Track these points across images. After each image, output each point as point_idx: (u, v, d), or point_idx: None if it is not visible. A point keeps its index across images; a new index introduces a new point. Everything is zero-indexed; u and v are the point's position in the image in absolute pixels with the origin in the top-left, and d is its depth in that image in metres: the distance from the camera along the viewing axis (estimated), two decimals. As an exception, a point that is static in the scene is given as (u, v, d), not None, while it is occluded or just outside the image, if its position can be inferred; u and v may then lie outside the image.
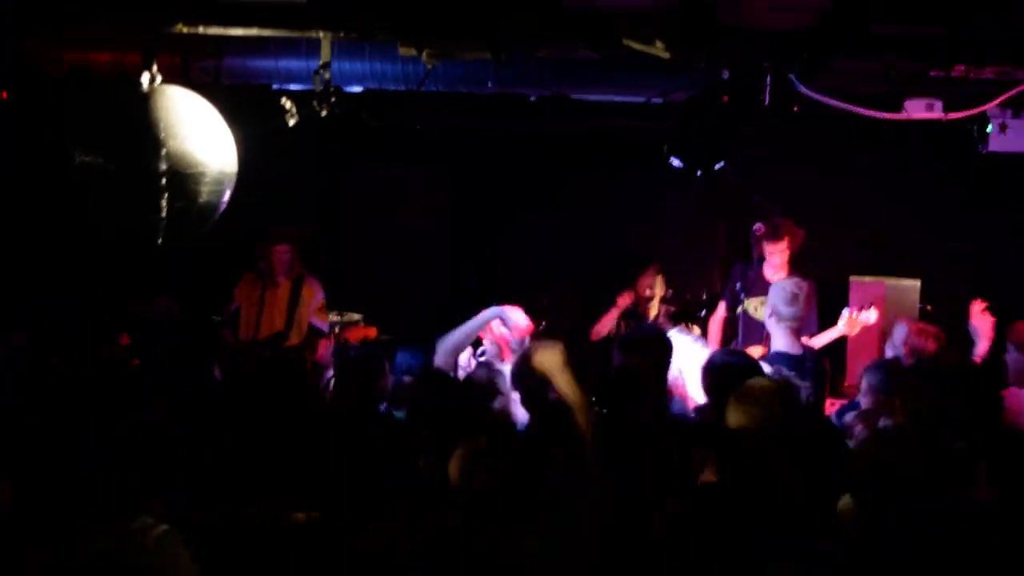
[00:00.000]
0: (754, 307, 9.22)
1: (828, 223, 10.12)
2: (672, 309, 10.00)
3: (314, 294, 9.16)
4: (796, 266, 9.20)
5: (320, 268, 9.47)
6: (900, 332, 7.39)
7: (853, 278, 9.84)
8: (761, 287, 9.02)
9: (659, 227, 11.08)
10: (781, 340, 7.17)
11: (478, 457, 4.35)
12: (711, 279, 11.06)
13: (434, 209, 11.71)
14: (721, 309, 9.56)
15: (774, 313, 7.22)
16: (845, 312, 8.74)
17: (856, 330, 8.77)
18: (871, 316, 8.72)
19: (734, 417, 5.03)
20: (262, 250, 9.08)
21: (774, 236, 9.14)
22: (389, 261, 11.43)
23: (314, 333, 9.15)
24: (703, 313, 10.01)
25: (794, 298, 7.25)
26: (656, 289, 9.90)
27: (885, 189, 10.59)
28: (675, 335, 6.86)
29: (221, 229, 6.73)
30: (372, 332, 9.70)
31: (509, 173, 11.31)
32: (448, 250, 11.75)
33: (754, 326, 9.05)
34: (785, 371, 6.31)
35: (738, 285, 9.39)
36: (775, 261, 9.15)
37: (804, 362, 7.05)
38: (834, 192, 10.65)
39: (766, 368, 6.47)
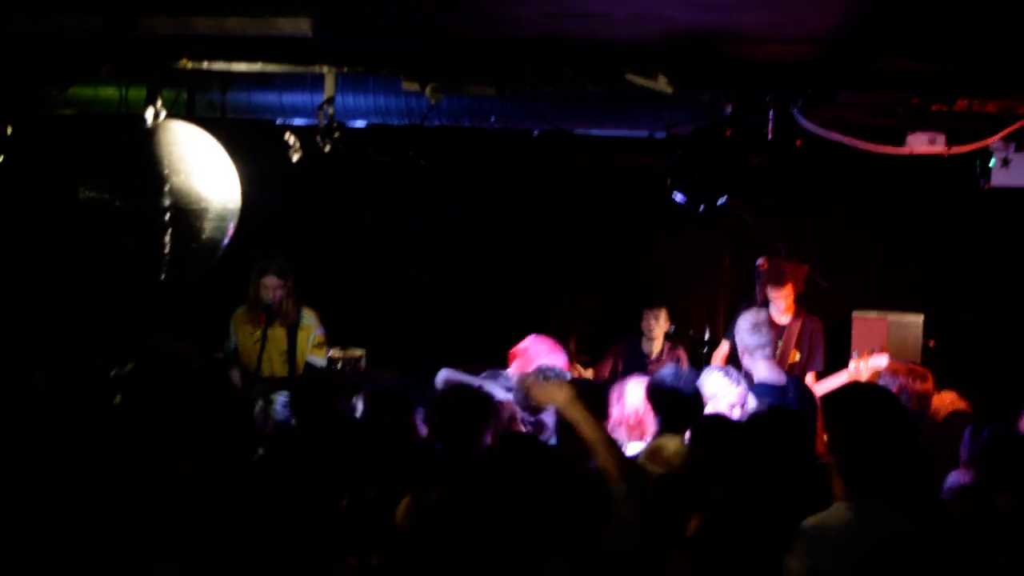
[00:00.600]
0: None
1: (831, 258, 10.10)
2: (676, 346, 9.97)
3: (312, 330, 8.88)
4: (801, 304, 9.20)
5: (319, 300, 9.40)
6: (887, 378, 7.37)
7: (856, 313, 9.83)
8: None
9: (662, 262, 11.07)
10: (761, 371, 7.16)
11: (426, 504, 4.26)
12: (715, 314, 11.04)
13: (437, 242, 11.71)
14: (724, 346, 9.52)
15: (744, 349, 7.23)
16: (855, 356, 8.56)
17: (867, 375, 8.35)
18: (882, 361, 8.33)
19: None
20: (256, 284, 8.69)
21: (778, 282, 9.10)
22: (393, 295, 11.41)
23: (308, 367, 8.88)
24: (705, 350, 9.98)
25: (755, 328, 7.28)
26: (659, 325, 9.86)
27: (888, 223, 10.58)
28: (709, 373, 6.83)
29: (224, 265, 6.74)
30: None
31: (512, 206, 11.31)
32: (452, 285, 11.74)
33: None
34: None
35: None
36: (780, 305, 9.11)
37: (787, 392, 7.01)
38: (837, 226, 10.64)
39: (752, 402, 6.47)
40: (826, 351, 9.12)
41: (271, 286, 8.59)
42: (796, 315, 9.15)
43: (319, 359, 8.89)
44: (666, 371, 6.32)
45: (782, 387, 7.06)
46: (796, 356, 9.08)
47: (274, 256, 8.67)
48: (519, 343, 7.61)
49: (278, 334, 8.69)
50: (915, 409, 7.02)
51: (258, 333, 8.57)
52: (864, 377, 8.46)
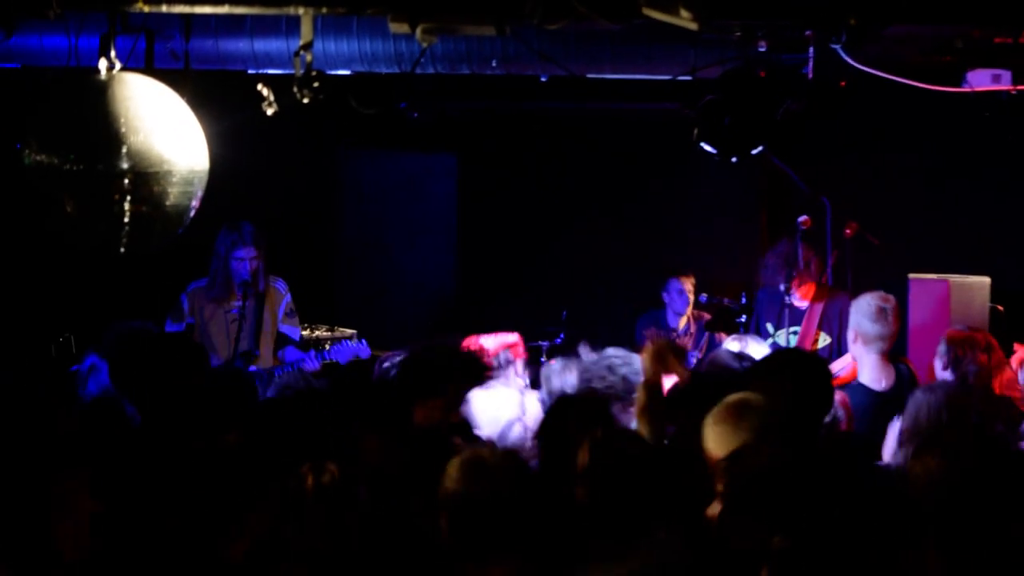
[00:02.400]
0: (785, 339, 9.16)
1: (883, 214, 10.06)
2: (706, 317, 9.95)
3: (280, 299, 8.89)
4: (844, 273, 9.18)
5: (299, 273, 9.38)
6: (943, 347, 7.33)
7: (913, 276, 9.77)
8: (793, 316, 9.07)
9: (690, 222, 11.05)
10: (866, 369, 7.06)
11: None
12: (752, 280, 11.03)
13: (433, 206, 11.70)
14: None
15: (859, 334, 7.12)
16: None
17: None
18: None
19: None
20: (226, 256, 8.67)
21: (797, 280, 9.05)
22: (384, 267, 11.41)
23: (284, 342, 8.94)
24: (743, 319, 9.96)
25: (880, 314, 7.17)
26: (688, 295, 9.86)
27: (947, 174, 10.54)
28: (735, 343, 6.78)
29: (193, 235, 6.72)
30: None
31: (517, 163, 11.29)
32: (450, 254, 11.74)
33: None
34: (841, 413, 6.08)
35: (763, 318, 9.35)
36: (795, 294, 9.10)
37: (891, 402, 6.64)
38: (889, 178, 10.60)
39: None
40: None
41: (247, 257, 8.61)
42: (817, 296, 9.11)
43: (294, 328, 8.95)
44: (723, 352, 6.32)
45: (884, 395, 6.93)
46: (822, 339, 9.06)
47: (242, 223, 8.66)
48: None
49: (244, 307, 8.68)
50: (974, 384, 6.97)
51: (233, 314, 8.63)
52: None
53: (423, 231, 11.66)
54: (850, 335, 7.24)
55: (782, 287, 9.02)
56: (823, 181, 9.86)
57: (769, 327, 9.32)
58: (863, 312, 7.18)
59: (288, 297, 8.92)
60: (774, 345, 9.14)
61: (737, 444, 4.63)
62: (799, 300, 9.09)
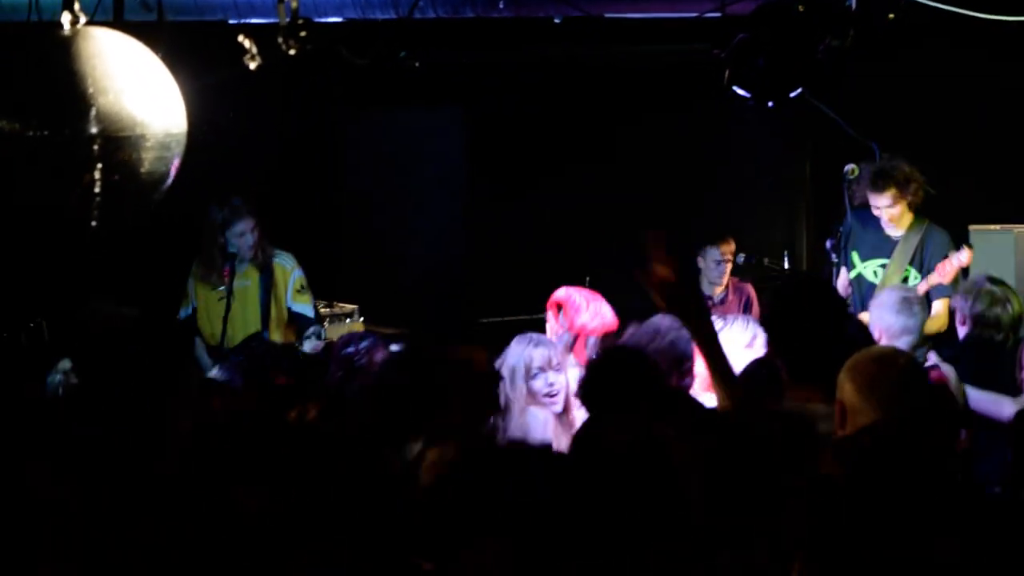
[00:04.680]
0: (872, 271, 9.11)
1: (940, 161, 10.01)
2: (749, 289, 9.90)
3: (288, 274, 8.94)
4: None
5: (295, 244, 9.37)
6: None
7: (974, 227, 9.75)
8: (883, 247, 9.04)
9: (725, 176, 11.01)
10: None
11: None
12: (796, 237, 11.00)
13: (439, 167, 11.68)
14: (842, 275, 9.40)
15: (885, 330, 7.14)
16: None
17: (949, 279, 8.66)
18: (962, 256, 8.65)
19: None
20: (213, 230, 8.76)
21: (874, 187, 8.98)
22: (387, 235, 11.41)
23: (297, 321, 8.96)
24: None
25: (905, 304, 7.20)
26: (725, 261, 9.81)
27: (1011, 115, 10.48)
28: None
29: (173, 206, 6.71)
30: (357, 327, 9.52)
31: (530, 116, 11.26)
32: (458, 220, 11.73)
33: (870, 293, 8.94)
34: None
35: (848, 245, 9.26)
36: (883, 217, 9.00)
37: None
38: (946, 124, 10.56)
39: None
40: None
41: (246, 230, 8.69)
42: (914, 227, 9.04)
43: (306, 306, 8.97)
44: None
45: None
46: (912, 276, 9.01)
47: (232, 194, 8.73)
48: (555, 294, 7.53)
49: (251, 289, 8.79)
50: None
51: (221, 291, 8.67)
52: (948, 280, 8.70)
53: (429, 193, 11.64)
54: (875, 332, 7.23)
55: (879, 208, 8.97)
56: (872, 125, 9.81)
57: (855, 257, 9.24)
58: (885, 306, 7.26)
59: (298, 272, 8.98)
60: (860, 278, 9.12)
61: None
62: (893, 229, 9.03)
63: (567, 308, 7.36)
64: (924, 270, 8.98)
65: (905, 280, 8.88)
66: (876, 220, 9.03)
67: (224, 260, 8.67)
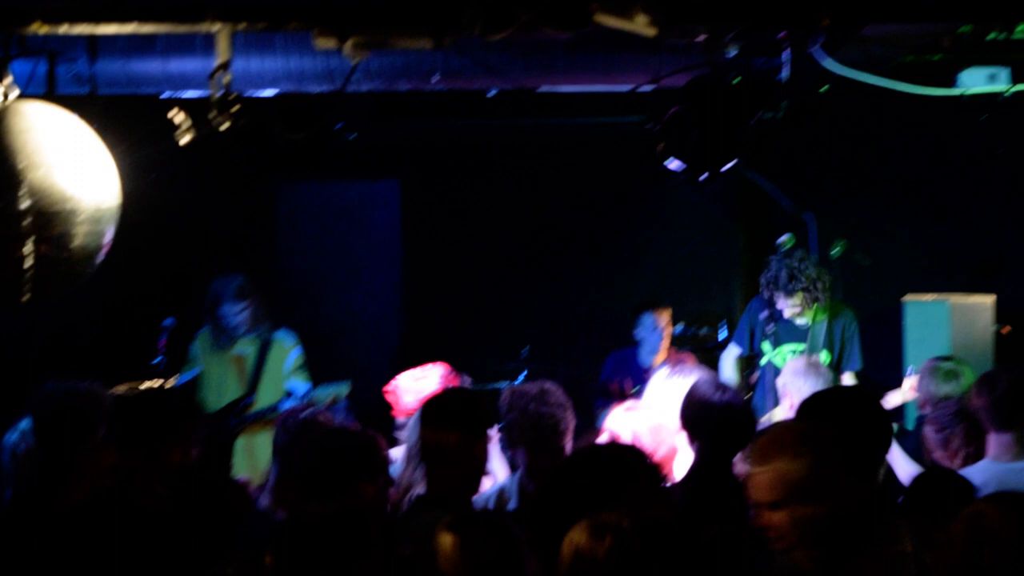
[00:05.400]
0: (782, 358, 9.21)
1: (873, 230, 10.11)
2: (687, 360, 9.93)
3: (287, 352, 9.29)
4: (845, 288, 9.22)
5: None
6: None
7: (909, 297, 9.81)
8: (792, 330, 9.21)
9: (660, 246, 11.06)
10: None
11: None
12: (731, 307, 11.03)
13: (375, 239, 11.68)
14: (733, 350, 9.56)
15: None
16: (908, 375, 8.55)
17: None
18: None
19: None
20: (209, 304, 9.20)
21: (786, 292, 9.12)
22: (324, 307, 11.39)
23: (292, 395, 9.18)
24: (720, 353, 9.98)
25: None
26: (664, 329, 9.84)
27: (943, 184, 10.58)
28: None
29: (105, 279, 6.69)
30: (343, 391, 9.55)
31: (467, 188, 11.28)
32: (395, 291, 11.71)
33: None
34: None
35: (757, 336, 9.40)
36: (789, 315, 9.19)
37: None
38: (879, 190, 10.64)
39: None
40: (872, 346, 9.15)
41: (233, 310, 9.15)
42: (819, 313, 9.17)
43: (300, 383, 9.27)
44: (702, 382, 6.29)
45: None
46: (824, 356, 9.11)
47: (229, 276, 9.19)
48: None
49: (248, 359, 9.27)
50: None
51: (229, 354, 9.24)
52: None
53: (366, 264, 11.64)
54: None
55: (780, 303, 9.08)
56: (806, 196, 9.89)
57: (766, 346, 9.34)
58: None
59: (297, 351, 9.34)
60: (769, 365, 9.22)
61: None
62: (798, 317, 9.15)
63: (393, 396, 7.30)
64: (835, 350, 9.11)
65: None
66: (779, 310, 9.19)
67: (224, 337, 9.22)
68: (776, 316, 9.22)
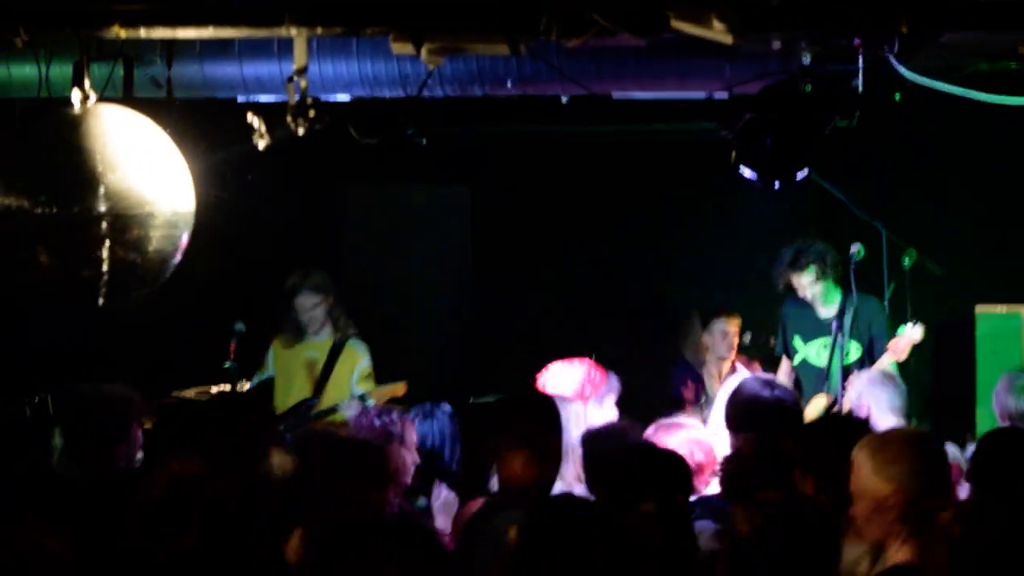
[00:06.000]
0: (815, 352, 9.22)
1: (946, 240, 10.04)
2: (756, 368, 9.93)
3: (358, 360, 9.38)
4: (915, 298, 9.21)
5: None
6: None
7: (981, 309, 9.75)
8: (819, 325, 9.33)
9: (731, 255, 11.02)
10: None
11: None
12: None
13: (444, 244, 11.69)
14: (783, 365, 9.59)
15: (1005, 413, 7.23)
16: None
17: (903, 355, 8.94)
18: (915, 333, 8.91)
19: None
20: (285, 303, 9.32)
21: (795, 268, 9.19)
22: (390, 312, 11.41)
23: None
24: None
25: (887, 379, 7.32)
26: (732, 338, 9.84)
27: (1016, 194, 10.51)
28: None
29: (180, 282, 6.73)
30: (400, 389, 9.58)
31: (537, 194, 11.28)
32: (463, 297, 11.72)
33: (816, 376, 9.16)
34: None
35: (788, 329, 9.44)
36: (809, 297, 9.23)
37: None
38: (952, 200, 10.58)
39: None
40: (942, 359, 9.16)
41: (306, 305, 9.26)
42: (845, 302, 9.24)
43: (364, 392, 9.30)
44: (749, 380, 6.32)
45: None
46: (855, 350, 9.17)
47: (308, 270, 9.32)
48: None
49: (318, 362, 9.36)
50: None
51: (292, 359, 9.35)
52: (903, 358, 8.94)
53: (436, 270, 11.65)
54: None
55: (803, 288, 9.27)
56: (878, 205, 9.85)
57: (798, 341, 9.36)
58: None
59: (366, 361, 9.45)
60: (803, 363, 9.24)
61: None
62: (825, 310, 9.27)
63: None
64: (863, 339, 9.11)
65: (848, 354, 9.04)
66: (810, 304, 9.18)
67: (292, 333, 9.36)
68: (801, 308, 9.47)
